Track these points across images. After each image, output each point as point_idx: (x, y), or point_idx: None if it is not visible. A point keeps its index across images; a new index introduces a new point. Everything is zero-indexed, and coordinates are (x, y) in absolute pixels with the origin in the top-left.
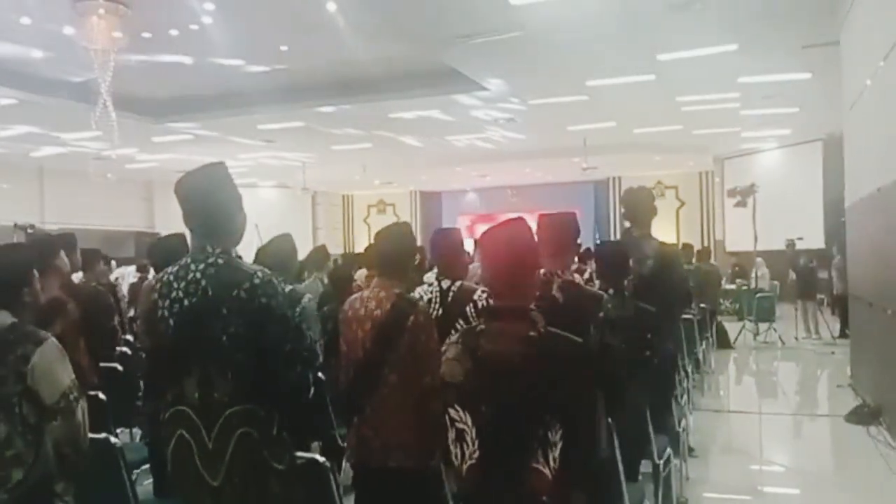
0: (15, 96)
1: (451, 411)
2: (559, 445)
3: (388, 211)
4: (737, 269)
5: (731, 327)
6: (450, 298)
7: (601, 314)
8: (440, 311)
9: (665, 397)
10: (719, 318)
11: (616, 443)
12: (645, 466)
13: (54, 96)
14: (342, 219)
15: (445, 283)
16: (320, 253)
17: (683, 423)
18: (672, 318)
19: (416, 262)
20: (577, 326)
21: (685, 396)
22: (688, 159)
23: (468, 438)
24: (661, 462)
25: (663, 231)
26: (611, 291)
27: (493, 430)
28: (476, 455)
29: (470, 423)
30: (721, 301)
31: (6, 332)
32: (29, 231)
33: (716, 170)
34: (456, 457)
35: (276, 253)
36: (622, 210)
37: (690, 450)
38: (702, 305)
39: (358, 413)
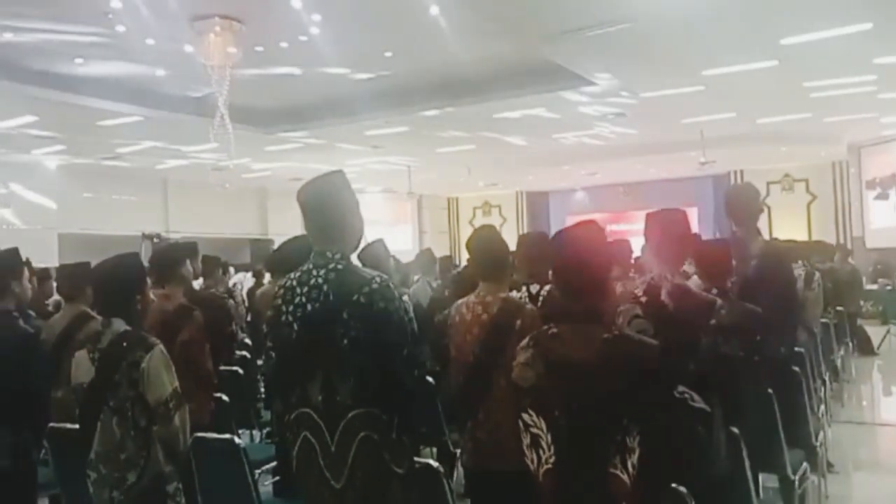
0: (142, 113)
1: (525, 416)
2: (637, 452)
3: (494, 213)
4: (879, 267)
5: (875, 332)
6: (539, 303)
7: (713, 321)
8: None
9: (796, 407)
10: (860, 321)
11: (745, 456)
12: (773, 481)
13: (176, 111)
14: (447, 222)
15: (534, 288)
16: (427, 257)
17: (821, 436)
18: (782, 321)
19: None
20: (687, 335)
21: (822, 407)
22: (819, 149)
23: (543, 444)
24: (797, 478)
25: (794, 228)
26: (714, 291)
27: (569, 435)
28: (552, 460)
29: (545, 428)
30: (862, 303)
31: (120, 339)
32: (155, 241)
33: (851, 159)
34: (532, 462)
35: (372, 258)
36: (725, 209)
37: (829, 465)
38: (838, 308)
39: (471, 417)
